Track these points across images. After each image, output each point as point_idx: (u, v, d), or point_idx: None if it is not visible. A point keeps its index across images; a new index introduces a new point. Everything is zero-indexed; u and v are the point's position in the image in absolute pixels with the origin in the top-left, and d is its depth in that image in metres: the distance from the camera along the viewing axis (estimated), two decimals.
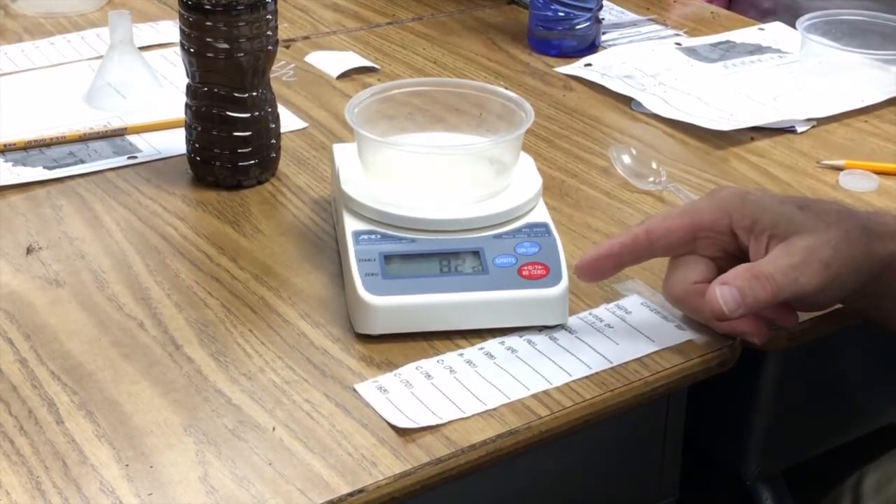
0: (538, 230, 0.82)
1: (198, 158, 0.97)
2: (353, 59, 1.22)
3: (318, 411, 0.72)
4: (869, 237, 0.74)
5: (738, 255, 0.77)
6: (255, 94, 0.95)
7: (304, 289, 0.84)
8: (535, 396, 0.73)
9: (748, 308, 0.72)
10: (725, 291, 0.72)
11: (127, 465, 0.67)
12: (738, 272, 0.73)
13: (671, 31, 1.33)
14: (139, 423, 0.70)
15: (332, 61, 1.22)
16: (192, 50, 0.93)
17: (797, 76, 1.19)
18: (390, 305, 0.77)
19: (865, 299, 0.77)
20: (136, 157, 1.02)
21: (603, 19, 1.28)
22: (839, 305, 0.78)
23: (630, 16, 1.38)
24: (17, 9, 1.34)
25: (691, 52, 1.25)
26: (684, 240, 0.77)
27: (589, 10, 1.24)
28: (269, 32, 0.94)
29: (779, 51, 1.26)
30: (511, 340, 0.78)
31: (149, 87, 1.12)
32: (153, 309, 0.81)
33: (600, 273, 0.79)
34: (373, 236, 0.80)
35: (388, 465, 0.67)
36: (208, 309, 0.81)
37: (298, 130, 1.08)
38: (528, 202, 0.83)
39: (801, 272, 0.72)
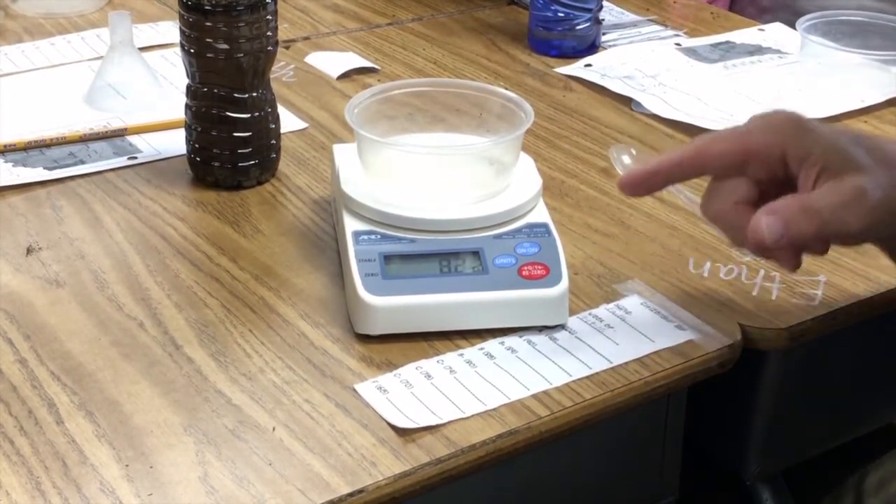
0: (538, 230, 0.82)
1: (198, 159, 0.97)
2: (353, 60, 1.22)
3: (318, 411, 0.72)
4: None
5: (784, 181, 0.74)
6: (255, 94, 0.95)
7: (304, 289, 0.84)
8: (535, 396, 0.73)
9: (790, 240, 0.71)
10: (772, 221, 0.71)
11: (127, 466, 0.67)
12: (786, 203, 0.72)
13: (671, 32, 1.33)
14: (139, 423, 0.70)
15: (332, 62, 1.22)
16: (192, 50, 0.93)
17: (797, 76, 1.19)
18: (390, 306, 0.77)
19: None
20: (136, 158, 1.02)
21: (603, 20, 1.28)
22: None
23: (630, 16, 1.38)
24: (17, 9, 1.34)
25: (691, 52, 1.25)
26: (735, 163, 0.75)
27: (589, 10, 1.24)
28: (269, 33, 0.94)
29: (779, 51, 1.26)
30: (511, 340, 0.78)
31: (149, 88, 1.12)
32: (153, 309, 0.81)
33: (647, 188, 0.78)
34: (373, 236, 0.80)
35: (388, 466, 0.67)
36: (208, 309, 0.81)
37: (298, 131, 1.08)
38: (527, 202, 0.83)
39: (848, 211, 0.71)
